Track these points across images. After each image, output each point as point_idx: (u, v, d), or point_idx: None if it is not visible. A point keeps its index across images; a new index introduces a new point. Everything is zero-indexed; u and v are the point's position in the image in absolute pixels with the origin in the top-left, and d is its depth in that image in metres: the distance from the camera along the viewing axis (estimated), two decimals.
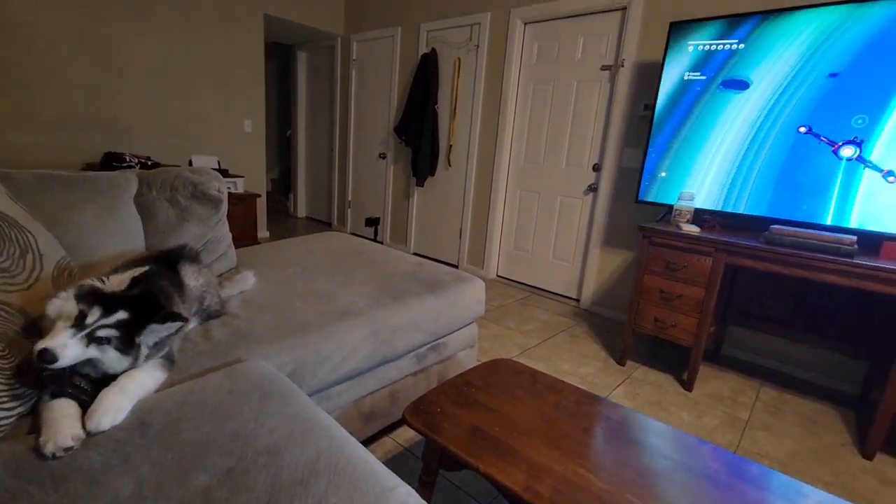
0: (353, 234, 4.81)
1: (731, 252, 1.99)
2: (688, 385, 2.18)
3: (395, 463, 1.53)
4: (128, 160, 3.22)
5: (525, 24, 3.33)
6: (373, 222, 4.14)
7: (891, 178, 1.84)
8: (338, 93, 4.86)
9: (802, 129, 2.01)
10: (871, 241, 1.94)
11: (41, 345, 0.75)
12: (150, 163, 3.32)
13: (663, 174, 2.41)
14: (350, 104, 4.75)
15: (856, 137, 1.90)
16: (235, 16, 3.88)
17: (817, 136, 1.98)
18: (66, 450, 0.74)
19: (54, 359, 0.75)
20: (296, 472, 0.75)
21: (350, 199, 4.98)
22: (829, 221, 1.99)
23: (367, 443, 1.60)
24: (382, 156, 4.50)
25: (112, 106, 3.33)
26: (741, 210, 2.19)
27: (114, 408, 0.81)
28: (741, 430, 1.90)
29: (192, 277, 1.24)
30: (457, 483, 1.44)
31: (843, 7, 1.88)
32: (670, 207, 2.37)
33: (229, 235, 1.76)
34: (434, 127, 3.88)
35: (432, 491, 1.17)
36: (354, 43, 4.59)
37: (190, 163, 3.69)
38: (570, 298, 3.37)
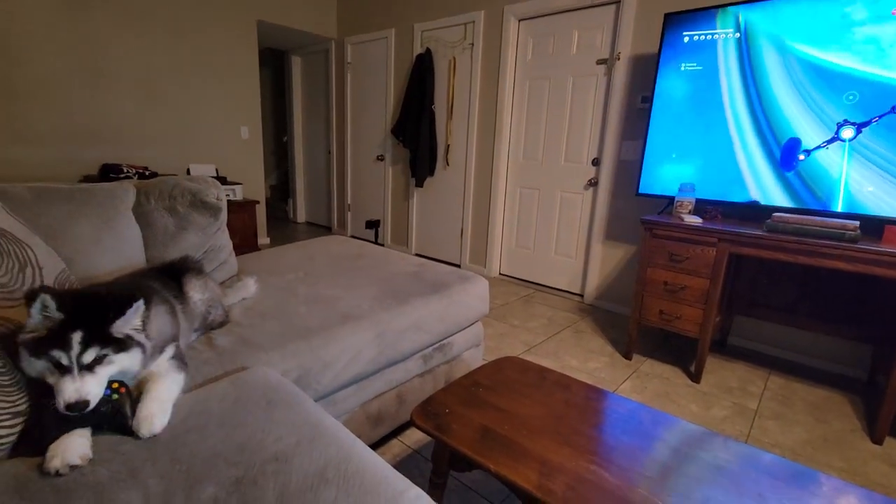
0: (353, 237, 4.80)
1: (734, 242, 1.98)
2: (695, 377, 2.17)
3: (404, 466, 1.52)
4: (125, 171, 3.21)
5: (519, 20, 3.32)
6: (373, 224, 4.14)
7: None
8: (333, 96, 4.86)
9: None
10: (873, 226, 1.93)
11: (64, 400, 0.73)
12: (147, 173, 3.31)
13: (663, 166, 2.40)
14: (346, 107, 4.74)
15: (847, 120, 1.89)
16: (228, 23, 3.88)
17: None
18: (72, 467, 0.73)
19: (86, 405, 0.75)
20: (305, 480, 0.75)
21: (349, 202, 4.97)
22: (839, 208, 1.97)
23: (375, 446, 1.59)
24: (380, 158, 4.49)
25: (107, 117, 3.32)
26: (742, 199, 2.18)
27: (161, 409, 0.85)
28: (750, 419, 1.88)
29: (197, 290, 1.23)
30: (468, 484, 1.43)
31: None
32: (671, 199, 2.35)
33: (230, 243, 1.75)
34: (431, 127, 3.87)
35: (443, 492, 1.16)
36: (348, 46, 4.58)
37: (188, 171, 3.68)
38: (574, 294, 3.36)
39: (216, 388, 0.99)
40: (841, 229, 1.76)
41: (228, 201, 3.35)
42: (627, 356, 2.38)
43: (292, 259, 1.95)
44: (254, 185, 4.30)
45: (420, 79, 3.85)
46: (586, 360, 2.36)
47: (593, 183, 3.12)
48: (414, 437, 1.67)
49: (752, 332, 2.56)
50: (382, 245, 4.56)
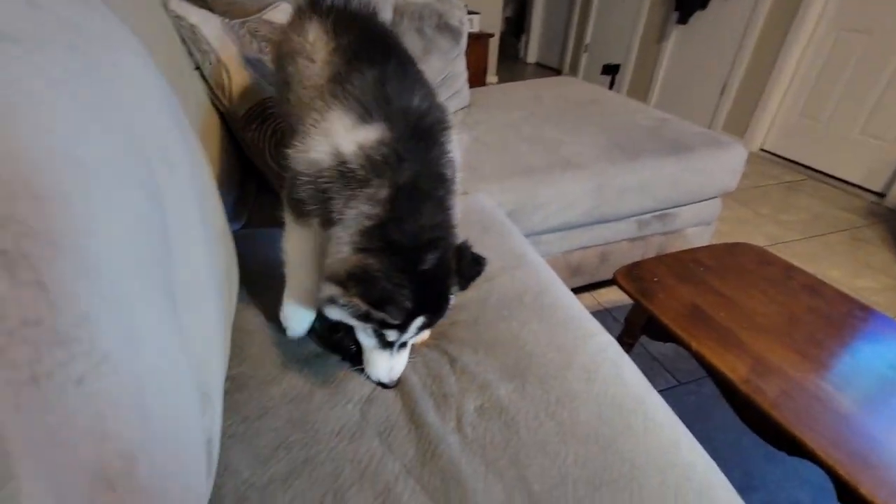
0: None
1: None
2: None
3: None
4: None
5: None
6: (611, 70, 3.65)
7: None
8: None
9: None
10: None
11: (376, 377, 0.65)
12: None
13: None
14: None
15: None
16: None
17: None
18: None
19: (395, 384, 0.66)
20: (504, 300, 0.82)
21: (588, 42, 4.40)
22: None
23: None
24: None
25: None
26: None
27: None
28: None
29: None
30: (655, 354, 1.40)
31: None
32: None
33: (465, 72, 1.78)
34: None
35: (629, 354, 1.16)
36: None
37: None
38: (869, 191, 2.49)
39: None
40: None
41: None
42: None
43: (520, 97, 1.90)
44: (490, 16, 4.11)
45: None
46: (856, 275, 1.83)
47: None
48: (608, 296, 1.66)
49: None
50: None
